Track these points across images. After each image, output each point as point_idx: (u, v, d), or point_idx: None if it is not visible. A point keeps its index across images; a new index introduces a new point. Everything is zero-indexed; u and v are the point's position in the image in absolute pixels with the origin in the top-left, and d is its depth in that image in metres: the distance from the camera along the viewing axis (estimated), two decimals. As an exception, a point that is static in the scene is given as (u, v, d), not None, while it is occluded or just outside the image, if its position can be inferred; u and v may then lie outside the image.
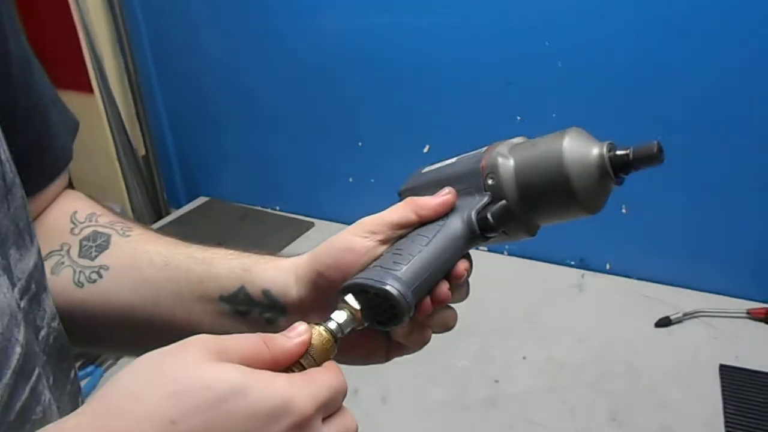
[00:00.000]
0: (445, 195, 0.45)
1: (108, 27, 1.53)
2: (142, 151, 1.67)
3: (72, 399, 0.45)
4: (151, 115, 1.66)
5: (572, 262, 1.33)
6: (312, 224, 1.54)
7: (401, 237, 0.44)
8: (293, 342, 0.35)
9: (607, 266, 1.30)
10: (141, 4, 1.57)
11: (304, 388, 0.32)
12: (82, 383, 1.03)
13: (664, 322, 1.12)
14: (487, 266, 1.30)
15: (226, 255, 0.50)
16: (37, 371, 0.38)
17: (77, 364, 1.06)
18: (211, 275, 0.48)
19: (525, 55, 1.19)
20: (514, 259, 1.37)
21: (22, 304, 0.39)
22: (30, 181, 0.44)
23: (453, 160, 0.48)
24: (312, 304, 0.46)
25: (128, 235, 0.51)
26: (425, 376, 1.04)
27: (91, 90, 1.53)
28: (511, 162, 0.43)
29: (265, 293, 0.47)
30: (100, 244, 0.50)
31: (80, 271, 0.49)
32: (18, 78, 0.45)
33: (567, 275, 1.30)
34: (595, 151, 0.41)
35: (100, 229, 0.51)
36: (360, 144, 1.45)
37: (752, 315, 1.12)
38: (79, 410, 0.30)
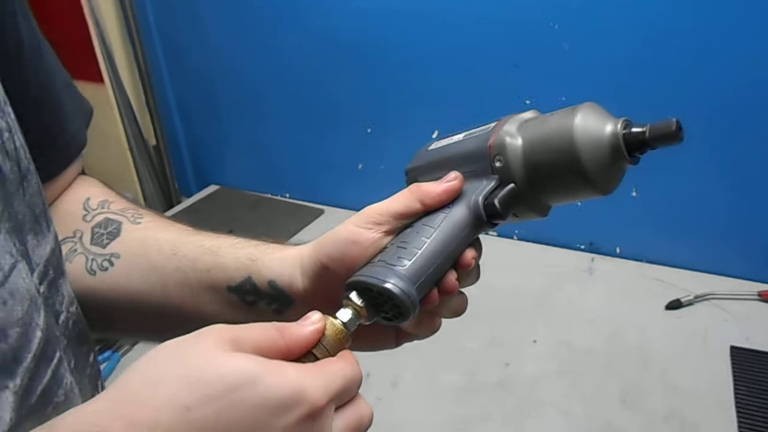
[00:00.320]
0: (450, 181, 0.43)
1: (117, 17, 1.54)
2: (152, 141, 1.68)
3: (92, 382, 0.46)
4: (161, 104, 1.66)
5: (582, 246, 1.33)
6: (322, 211, 1.55)
7: (407, 227, 0.43)
8: (307, 330, 0.35)
9: (618, 250, 1.30)
10: (149, -6, 1.57)
11: (317, 378, 0.32)
12: (101, 368, 1.05)
13: (674, 305, 1.12)
14: (497, 251, 1.31)
15: (234, 244, 0.49)
16: (58, 355, 0.39)
17: (95, 350, 1.09)
18: (219, 265, 0.48)
19: (532, 37, 1.18)
20: (525, 243, 1.37)
21: (42, 289, 0.40)
22: (44, 168, 0.44)
23: (460, 136, 0.46)
24: (318, 295, 0.45)
25: (139, 222, 0.51)
26: (436, 360, 1.05)
27: (101, 80, 1.54)
28: (520, 142, 0.41)
29: (272, 284, 0.47)
30: (112, 231, 0.50)
31: (92, 259, 0.50)
32: (30, 66, 0.45)
33: (577, 259, 1.30)
34: (609, 128, 0.38)
35: (111, 216, 0.51)
36: (369, 130, 1.45)
37: (763, 297, 1.12)
38: (97, 396, 0.31)
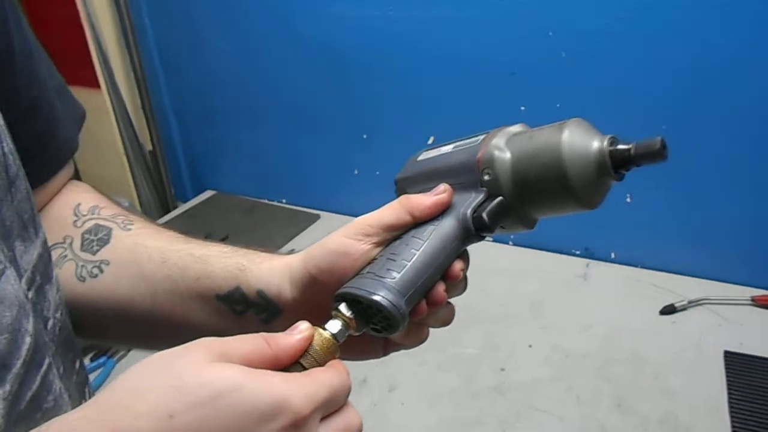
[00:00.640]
0: (439, 194, 0.43)
1: (114, 23, 1.54)
2: (148, 146, 1.68)
3: (79, 389, 0.46)
4: (158, 109, 1.67)
5: (577, 252, 1.33)
6: (318, 216, 1.55)
7: (396, 238, 0.43)
8: (294, 339, 0.35)
9: (612, 255, 1.30)
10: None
11: (301, 387, 0.32)
12: (95, 374, 1.05)
13: (668, 310, 1.13)
14: (492, 256, 1.32)
15: (223, 253, 0.49)
16: (47, 361, 0.39)
17: (90, 355, 1.08)
18: (208, 274, 0.48)
19: (529, 45, 1.19)
20: (520, 249, 1.37)
21: (30, 295, 0.40)
22: (34, 173, 0.44)
23: (450, 148, 0.46)
24: (307, 306, 0.45)
25: (129, 229, 0.51)
26: (432, 365, 1.05)
27: (97, 85, 1.54)
28: (508, 156, 0.41)
29: (260, 294, 0.47)
30: (102, 237, 0.50)
31: (82, 266, 0.49)
32: (22, 72, 0.45)
33: (572, 264, 1.30)
34: (596, 145, 0.39)
35: (101, 222, 0.51)
36: (365, 136, 1.45)
37: (757, 302, 1.12)
38: (85, 404, 0.31)
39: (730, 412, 0.91)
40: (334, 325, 0.38)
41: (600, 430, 0.91)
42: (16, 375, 0.35)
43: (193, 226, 1.53)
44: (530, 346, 1.09)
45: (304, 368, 0.35)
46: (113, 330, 0.52)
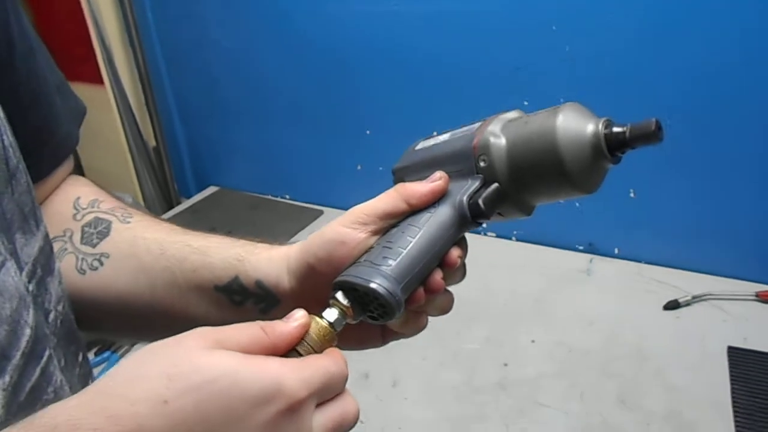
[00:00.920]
0: (435, 181, 0.43)
1: (117, 19, 1.54)
2: (152, 142, 1.69)
3: (82, 381, 0.46)
4: (161, 106, 1.67)
5: (581, 247, 1.33)
6: (321, 212, 1.55)
7: (393, 226, 0.43)
8: (291, 326, 0.35)
9: (616, 251, 1.30)
10: (149, -4, 1.58)
11: (297, 372, 0.33)
12: (99, 369, 1.06)
13: (672, 306, 1.13)
14: (496, 252, 1.32)
15: (221, 244, 0.49)
16: (47, 353, 0.39)
17: (94, 350, 1.09)
18: (206, 265, 0.48)
19: (532, 40, 1.18)
20: (523, 244, 1.37)
21: (31, 288, 0.40)
22: (34, 168, 0.44)
23: (446, 136, 0.46)
24: (305, 296, 0.45)
25: (128, 222, 0.52)
26: (435, 360, 1.06)
27: (101, 82, 1.55)
28: (503, 142, 0.41)
29: (258, 284, 0.47)
30: (101, 230, 0.51)
31: (82, 258, 0.50)
32: (21, 65, 0.45)
33: (576, 260, 1.30)
34: (590, 128, 0.38)
35: (101, 216, 0.52)
36: (368, 132, 1.45)
37: (761, 297, 1.12)
38: (81, 392, 0.31)
39: (734, 407, 0.91)
40: (331, 314, 0.39)
41: (603, 426, 0.91)
42: (16, 366, 0.36)
43: (197, 222, 1.54)
44: (533, 341, 1.09)
45: (301, 356, 0.35)
46: (113, 322, 0.53)
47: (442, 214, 0.42)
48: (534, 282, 1.24)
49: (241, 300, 0.48)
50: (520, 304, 1.18)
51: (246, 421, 0.31)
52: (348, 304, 0.39)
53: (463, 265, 0.45)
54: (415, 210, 0.43)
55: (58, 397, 0.39)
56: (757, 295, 1.12)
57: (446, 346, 1.08)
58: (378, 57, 1.35)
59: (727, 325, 1.08)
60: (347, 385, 0.36)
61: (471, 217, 0.42)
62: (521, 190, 0.42)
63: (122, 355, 1.10)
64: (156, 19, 1.60)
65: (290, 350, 0.35)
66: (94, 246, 0.50)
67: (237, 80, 1.58)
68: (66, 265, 0.49)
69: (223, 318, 0.48)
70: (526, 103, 1.23)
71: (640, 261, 1.27)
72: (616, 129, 0.38)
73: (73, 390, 0.43)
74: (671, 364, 1.01)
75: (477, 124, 0.44)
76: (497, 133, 0.42)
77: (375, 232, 0.43)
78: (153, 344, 0.33)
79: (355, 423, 0.36)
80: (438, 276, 0.42)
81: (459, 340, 1.09)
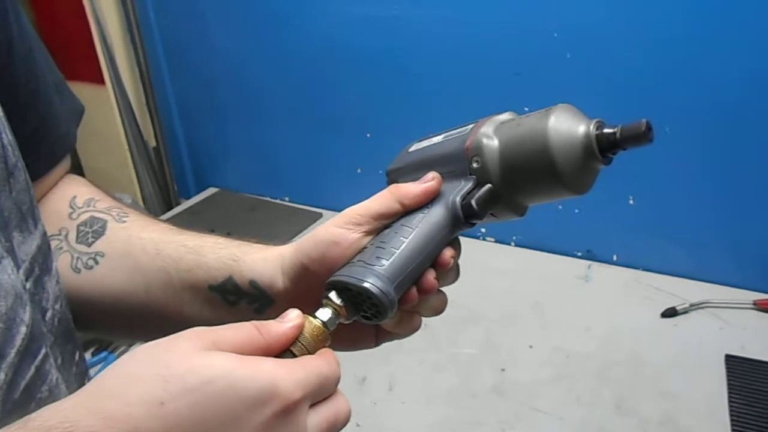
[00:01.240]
0: (428, 182, 0.43)
1: (119, 18, 1.55)
2: (152, 143, 1.69)
3: (78, 380, 0.46)
4: (162, 106, 1.67)
5: (579, 253, 1.33)
6: (320, 215, 1.55)
7: (386, 227, 0.43)
8: (286, 326, 0.36)
9: (614, 257, 1.30)
10: (151, -4, 1.58)
11: (291, 373, 0.33)
12: (95, 369, 1.05)
13: (670, 313, 1.13)
14: (494, 257, 1.32)
15: (216, 244, 0.50)
16: (43, 351, 0.39)
17: (91, 350, 1.09)
18: (201, 264, 0.48)
19: (534, 46, 1.19)
20: (522, 250, 1.37)
21: (28, 286, 0.40)
22: (31, 167, 0.44)
23: (440, 137, 0.47)
24: (299, 296, 0.45)
25: (124, 221, 0.52)
26: (432, 364, 1.05)
27: (102, 81, 1.55)
28: (496, 143, 0.42)
29: (253, 284, 0.47)
30: (97, 230, 0.51)
31: (77, 257, 0.50)
32: (20, 64, 0.46)
33: (574, 266, 1.30)
34: (581, 129, 0.39)
35: (97, 215, 0.52)
36: (368, 135, 1.45)
37: (758, 306, 1.12)
38: (76, 392, 0.31)
39: (731, 415, 0.91)
40: (324, 313, 0.39)
41: (599, 432, 0.91)
42: (11, 364, 0.36)
43: (196, 224, 1.54)
44: (531, 346, 1.09)
45: (295, 356, 0.35)
46: (107, 321, 0.53)
47: (435, 214, 0.42)
48: (532, 287, 1.24)
49: (235, 300, 0.48)
50: (517, 310, 1.18)
51: (242, 422, 0.31)
52: (341, 304, 0.40)
53: (457, 265, 0.45)
54: (408, 211, 0.43)
55: (53, 395, 0.39)
56: (754, 304, 1.12)
57: (443, 350, 1.08)
58: (380, 60, 1.35)
59: (725, 333, 1.08)
60: (342, 388, 0.36)
61: (464, 218, 0.42)
62: (514, 191, 0.42)
63: (119, 356, 1.09)
64: (158, 18, 1.60)
65: (284, 350, 0.35)
66: (89, 245, 0.50)
67: (238, 82, 1.58)
68: (61, 263, 0.49)
69: (218, 318, 0.48)
70: (526, 108, 1.21)
71: (638, 268, 1.27)
72: (607, 130, 0.39)
73: (70, 388, 0.43)
74: (668, 371, 1.01)
75: (470, 126, 0.44)
76: (490, 134, 0.42)
77: (368, 233, 0.43)
78: (147, 344, 0.33)
79: (347, 423, 0.36)
80: (431, 276, 0.42)
81: (456, 345, 1.09)
